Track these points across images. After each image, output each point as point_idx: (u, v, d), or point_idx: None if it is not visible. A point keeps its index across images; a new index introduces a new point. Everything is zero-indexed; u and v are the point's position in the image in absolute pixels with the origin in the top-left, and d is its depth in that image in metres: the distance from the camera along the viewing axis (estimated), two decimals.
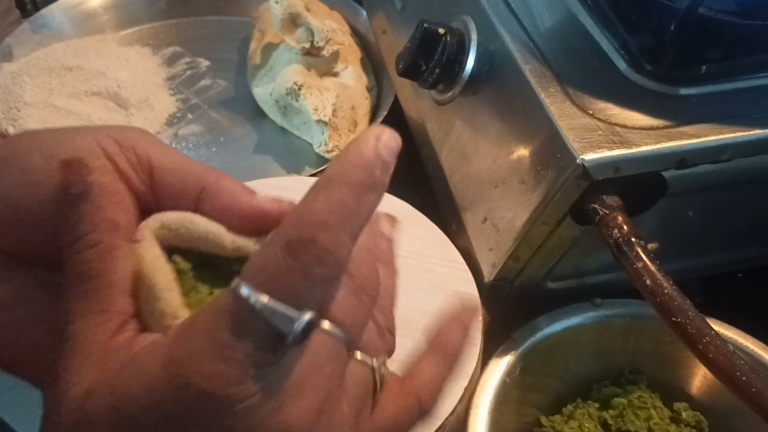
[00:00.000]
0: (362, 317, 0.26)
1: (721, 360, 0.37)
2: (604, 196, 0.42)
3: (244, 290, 0.22)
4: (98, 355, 0.24)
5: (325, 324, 0.24)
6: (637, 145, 0.42)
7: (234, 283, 0.22)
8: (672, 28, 0.46)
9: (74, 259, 0.24)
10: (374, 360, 0.27)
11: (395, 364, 0.47)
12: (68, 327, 0.24)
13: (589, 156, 0.41)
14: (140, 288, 0.25)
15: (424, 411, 0.28)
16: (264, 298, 0.22)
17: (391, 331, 0.28)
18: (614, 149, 0.42)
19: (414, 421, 0.28)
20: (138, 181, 0.27)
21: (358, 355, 0.27)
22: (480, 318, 0.30)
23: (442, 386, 0.29)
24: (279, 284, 0.22)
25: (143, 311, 0.25)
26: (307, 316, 0.22)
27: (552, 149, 0.43)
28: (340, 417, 0.25)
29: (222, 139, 0.74)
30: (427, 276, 0.51)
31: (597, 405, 0.50)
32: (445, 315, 0.32)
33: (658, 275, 0.39)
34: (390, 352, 0.29)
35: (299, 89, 0.69)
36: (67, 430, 0.23)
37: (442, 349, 0.30)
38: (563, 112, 0.44)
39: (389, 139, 0.24)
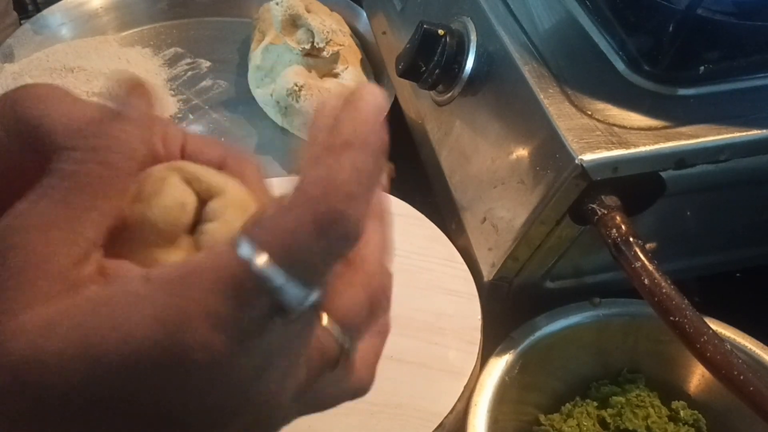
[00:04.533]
0: (365, 324, 0.24)
1: (718, 359, 0.37)
2: (602, 196, 0.42)
3: (259, 259, 0.19)
4: (59, 283, 0.21)
5: (324, 319, 0.23)
6: (636, 146, 0.42)
7: (242, 245, 0.20)
8: (670, 28, 0.46)
9: (80, 167, 0.22)
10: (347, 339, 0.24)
11: (394, 364, 0.47)
12: (22, 234, 0.21)
13: (588, 156, 0.41)
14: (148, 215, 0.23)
15: (363, 389, 0.26)
16: (280, 274, 0.20)
17: (374, 306, 0.26)
18: (613, 149, 0.42)
19: (352, 397, 0.26)
20: (176, 146, 0.27)
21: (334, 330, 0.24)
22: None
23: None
24: (299, 260, 0.20)
25: (136, 240, 0.23)
26: (315, 295, 0.21)
27: (551, 149, 0.43)
28: (281, 375, 0.23)
29: (223, 139, 0.74)
30: (427, 276, 0.52)
31: (595, 404, 0.50)
32: None
33: (657, 275, 0.39)
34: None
35: (300, 90, 0.70)
36: (13, 367, 0.20)
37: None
38: (562, 113, 0.44)
39: (385, 100, 0.23)
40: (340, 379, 0.25)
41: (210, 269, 0.20)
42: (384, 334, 0.27)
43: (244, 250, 0.20)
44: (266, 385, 0.22)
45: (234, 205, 0.24)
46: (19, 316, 0.20)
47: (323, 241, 0.20)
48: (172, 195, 0.23)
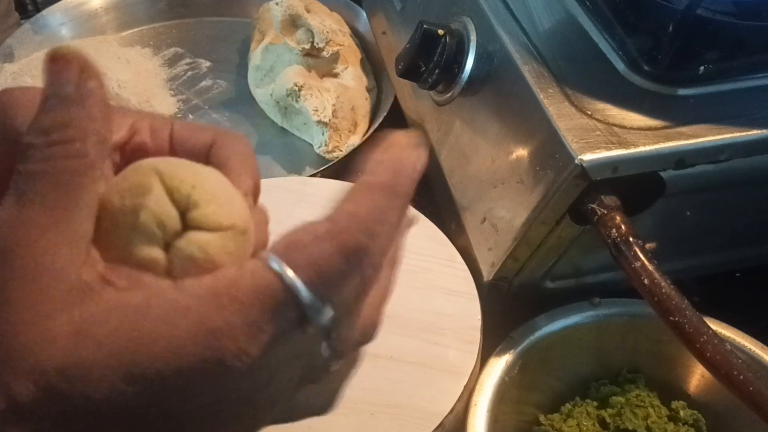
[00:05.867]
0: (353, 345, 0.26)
1: (718, 359, 0.37)
2: (602, 196, 0.42)
3: (296, 281, 0.21)
4: (72, 288, 0.21)
5: None
6: (636, 146, 0.42)
7: (272, 261, 0.21)
8: (670, 29, 0.46)
9: (49, 164, 0.21)
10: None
11: (394, 363, 0.47)
12: (19, 244, 0.20)
13: (588, 156, 0.41)
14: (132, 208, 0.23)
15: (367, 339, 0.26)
16: (308, 292, 0.22)
17: (366, 339, 0.27)
18: (612, 149, 0.42)
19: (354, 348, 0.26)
20: (164, 136, 0.27)
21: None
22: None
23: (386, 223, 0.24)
24: (325, 282, 0.22)
25: (124, 227, 0.23)
26: (331, 312, 0.22)
27: (551, 149, 0.43)
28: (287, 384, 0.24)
29: None
30: (427, 276, 0.52)
31: (595, 403, 0.50)
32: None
33: (656, 275, 0.39)
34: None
35: (299, 90, 0.70)
36: (46, 376, 0.20)
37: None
38: (562, 113, 0.44)
39: (424, 161, 0.25)
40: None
41: (247, 283, 0.21)
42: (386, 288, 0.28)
43: (277, 265, 0.21)
44: (273, 391, 0.23)
45: (215, 209, 0.24)
46: (42, 324, 0.20)
47: (346, 268, 0.22)
48: (153, 213, 0.23)
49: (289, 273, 0.21)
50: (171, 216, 0.23)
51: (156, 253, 0.23)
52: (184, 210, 0.23)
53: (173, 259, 0.23)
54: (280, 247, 0.22)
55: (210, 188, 0.24)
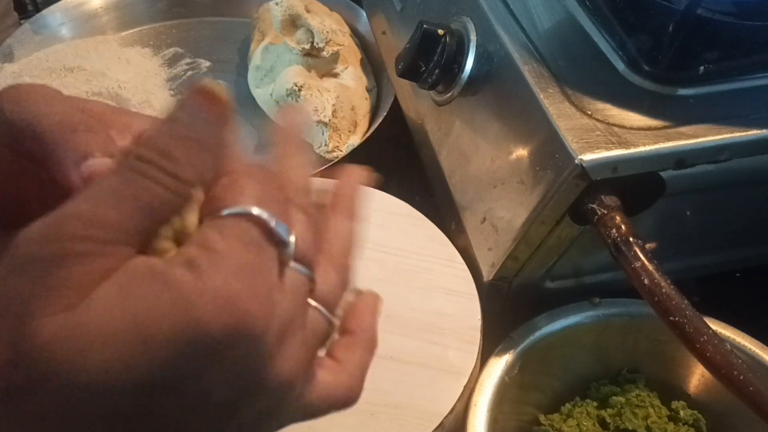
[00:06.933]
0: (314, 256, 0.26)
1: (718, 359, 0.37)
2: (602, 196, 0.42)
3: (266, 215, 0.22)
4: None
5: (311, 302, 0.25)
6: (636, 146, 0.42)
7: (244, 210, 0.22)
8: (670, 28, 0.46)
9: (147, 183, 0.21)
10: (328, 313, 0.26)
11: (394, 364, 0.47)
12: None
13: (588, 156, 0.41)
14: None
15: (353, 397, 0.27)
16: (279, 224, 0.23)
17: (344, 284, 0.27)
18: (612, 149, 0.42)
19: (343, 405, 0.27)
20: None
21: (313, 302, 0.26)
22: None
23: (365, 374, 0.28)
24: (274, 201, 0.23)
25: None
26: (293, 238, 0.23)
27: (551, 149, 0.43)
28: (294, 352, 0.24)
29: None
30: (427, 276, 0.52)
31: (595, 404, 0.50)
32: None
33: (656, 275, 0.39)
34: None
35: (299, 90, 0.70)
36: (44, 351, 0.19)
37: (365, 336, 0.28)
38: (562, 113, 0.44)
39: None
40: (330, 383, 0.26)
41: (236, 241, 0.22)
42: (371, 348, 0.28)
43: (258, 213, 0.22)
44: (282, 363, 0.23)
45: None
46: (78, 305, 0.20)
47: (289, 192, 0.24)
48: (153, 248, 0.23)
49: (249, 209, 0.22)
50: (169, 251, 0.23)
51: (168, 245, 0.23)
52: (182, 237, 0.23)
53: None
54: (218, 198, 0.23)
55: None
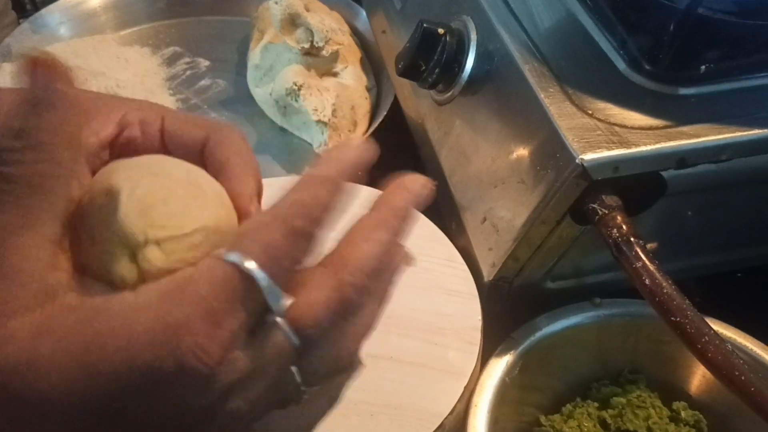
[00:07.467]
0: (328, 324, 0.25)
1: (719, 359, 0.37)
2: (603, 196, 0.42)
3: (249, 265, 0.22)
4: (38, 290, 0.21)
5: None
6: (637, 145, 0.42)
7: (229, 255, 0.22)
8: (671, 28, 0.46)
9: (21, 168, 0.21)
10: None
11: (394, 364, 0.47)
12: None
13: (589, 156, 0.41)
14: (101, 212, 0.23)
15: (350, 299, 0.25)
16: (265, 275, 0.22)
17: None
18: (613, 149, 0.42)
19: (340, 313, 0.24)
20: (155, 131, 0.27)
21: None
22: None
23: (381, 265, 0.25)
24: (277, 264, 0.22)
25: (94, 240, 0.23)
26: (290, 299, 0.23)
27: (551, 149, 0.43)
28: (253, 395, 0.24)
29: None
30: (427, 276, 0.51)
31: (596, 404, 0.50)
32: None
33: (657, 275, 0.39)
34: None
35: (299, 89, 0.69)
36: (12, 369, 0.20)
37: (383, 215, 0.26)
38: (562, 112, 0.44)
39: (368, 156, 0.26)
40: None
41: (205, 277, 0.22)
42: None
43: (232, 257, 0.22)
44: (235, 401, 0.23)
45: (178, 215, 0.24)
46: (3, 323, 0.20)
47: (295, 250, 0.23)
48: (120, 225, 0.23)
49: (245, 261, 0.22)
50: (136, 226, 0.23)
51: (124, 268, 0.23)
52: (149, 219, 0.24)
53: (142, 268, 0.23)
54: (230, 240, 0.23)
55: (174, 193, 0.24)
